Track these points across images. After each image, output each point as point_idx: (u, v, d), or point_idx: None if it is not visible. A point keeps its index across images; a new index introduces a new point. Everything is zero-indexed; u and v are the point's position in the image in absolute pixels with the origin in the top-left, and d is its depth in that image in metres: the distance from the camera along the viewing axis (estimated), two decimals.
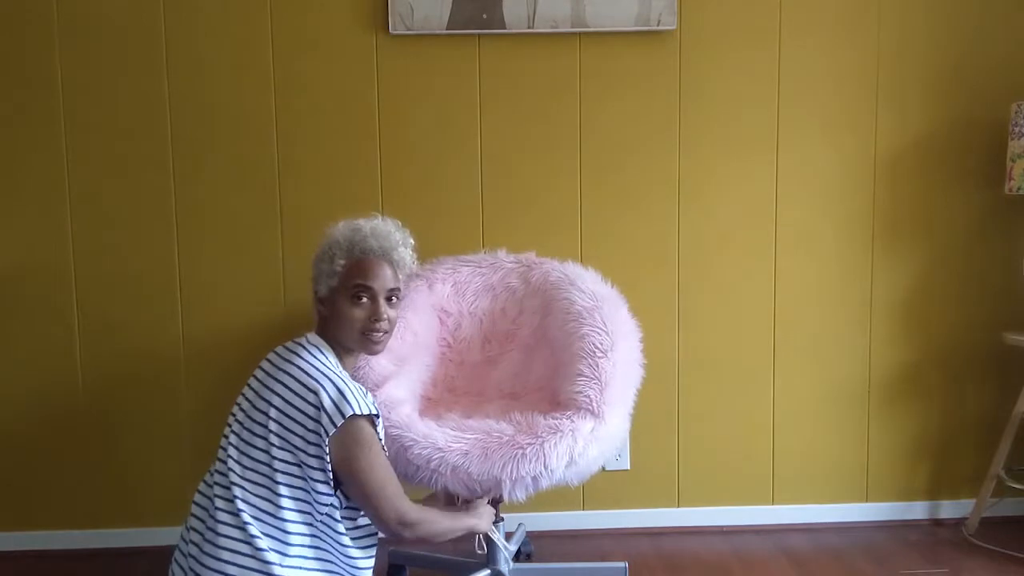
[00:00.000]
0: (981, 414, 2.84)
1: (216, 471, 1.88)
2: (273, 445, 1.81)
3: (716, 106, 2.71)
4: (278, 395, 1.84)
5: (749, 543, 2.72)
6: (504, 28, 2.61)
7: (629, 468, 2.80)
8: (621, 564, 2.39)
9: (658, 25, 2.63)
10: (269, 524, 1.80)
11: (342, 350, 1.95)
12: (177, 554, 1.91)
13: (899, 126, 2.75)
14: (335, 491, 1.83)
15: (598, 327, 2.27)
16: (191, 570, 1.82)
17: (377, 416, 1.86)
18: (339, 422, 1.78)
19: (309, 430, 1.80)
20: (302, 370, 1.85)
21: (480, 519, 2.07)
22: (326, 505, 1.82)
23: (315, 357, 1.88)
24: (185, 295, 2.69)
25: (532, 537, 2.71)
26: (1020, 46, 2.74)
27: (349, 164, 2.67)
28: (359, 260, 1.93)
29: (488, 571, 2.27)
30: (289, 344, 1.94)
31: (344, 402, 1.79)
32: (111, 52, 2.61)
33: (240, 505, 1.79)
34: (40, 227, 2.65)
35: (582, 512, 2.81)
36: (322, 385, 1.81)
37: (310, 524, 1.83)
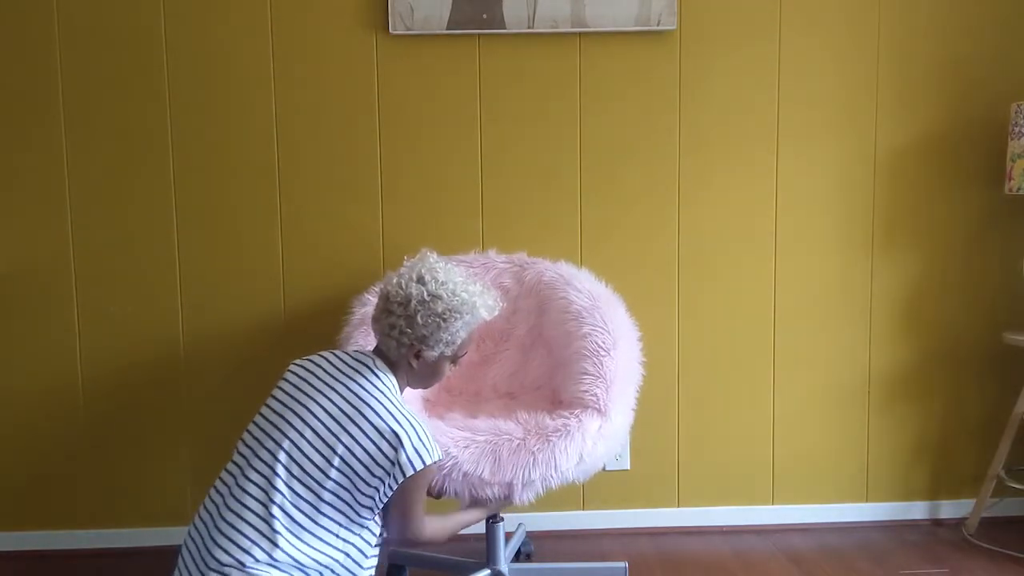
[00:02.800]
0: (981, 414, 2.84)
1: (253, 468, 1.83)
2: (333, 467, 1.81)
3: (716, 106, 2.71)
4: (356, 426, 1.82)
5: (749, 543, 2.72)
6: (504, 28, 2.61)
7: (629, 468, 2.80)
8: (621, 564, 2.39)
9: (658, 25, 2.63)
10: (301, 532, 1.80)
11: (403, 382, 1.97)
12: (186, 538, 1.89)
13: (899, 126, 2.75)
14: (375, 514, 1.86)
15: (599, 326, 2.27)
16: (202, 545, 1.81)
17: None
18: (419, 468, 1.81)
19: (378, 464, 1.80)
20: (386, 409, 1.83)
21: (485, 507, 2.12)
22: (362, 527, 1.85)
23: (390, 398, 1.86)
24: (185, 295, 2.69)
25: (532, 537, 2.71)
26: (1020, 46, 2.74)
27: (349, 164, 2.67)
28: (474, 335, 1.98)
29: (488, 571, 2.27)
30: (356, 365, 1.91)
31: (425, 450, 1.82)
32: (111, 52, 2.61)
33: (275, 511, 1.78)
34: (40, 227, 2.65)
35: (582, 512, 2.81)
36: (406, 431, 1.81)
37: (343, 540, 1.84)
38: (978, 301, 2.80)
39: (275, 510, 1.78)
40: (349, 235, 2.69)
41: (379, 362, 1.92)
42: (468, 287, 1.93)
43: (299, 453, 1.82)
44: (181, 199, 2.66)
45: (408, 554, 2.49)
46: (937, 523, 2.85)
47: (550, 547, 2.68)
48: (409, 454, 1.80)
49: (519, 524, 2.62)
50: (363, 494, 1.82)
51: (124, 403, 2.72)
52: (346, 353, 1.95)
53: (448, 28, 2.60)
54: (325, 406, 1.85)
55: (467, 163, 2.69)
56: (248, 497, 1.80)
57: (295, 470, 1.81)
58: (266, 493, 1.79)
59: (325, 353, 1.96)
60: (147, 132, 2.64)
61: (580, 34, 2.65)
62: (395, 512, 1.88)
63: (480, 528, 2.31)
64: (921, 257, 2.79)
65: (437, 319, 1.88)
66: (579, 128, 2.69)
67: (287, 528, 1.78)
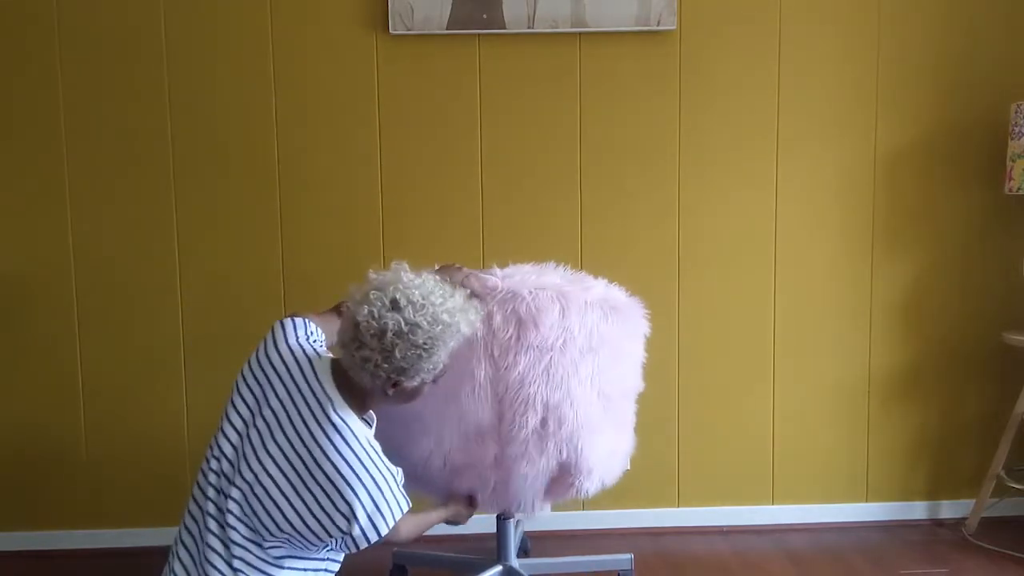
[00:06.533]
0: (981, 414, 2.84)
1: (209, 530, 1.74)
2: (283, 531, 1.70)
3: (716, 106, 2.71)
4: (310, 492, 1.67)
5: (749, 543, 2.72)
6: (504, 28, 2.61)
7: (629, 468, 2.80)
8: (627, 555, 2.41)
9: (658, 25, 2.63)
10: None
11: (367, 407, 1.79)
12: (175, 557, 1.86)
13: (899, 126, 2.75)
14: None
15: None
16: None
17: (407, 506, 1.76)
18: (372, 540, 1.69)
19: (330, 535, 1.68)
20: (340, 473, 1.66)
21: (458, 508, 2.07)
22: (325, 559, 1.81)
23: (346, 454, 1.67)
24: (185, 295, 2.68)
25: (531, 537, 2.71)
26: (1020, 46, 2.74)
27: (349, 164, 2.67)
28: (454, 353, 1.77)
29: (500, 568, 2.27)
30: (313, 403, 1.72)
31: (380, 517, 1.68)
32: (111, 52, 2.61)
33: (238, 565, 1.72)
34: (40, 227, 2.65)
35: (582, 512, 2.81)
36: (361, 502, 1.66)
37: (311, 570, 1.80)
38: (978, 301, 2.80)
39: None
40: (349, 234, 2.69)
41: (337, 402, 1.72)
42: (448, 306, 1.69)
43: (250, 511, 1.72)
44: (181, 199, 2.66)
45: (411, 554, 2.49)
46: (937, 523, 2.85)
47: (550, 547, 2.68)
48: (363, 526, 1.67)
49: (517, 521, 2.62)
50: (316, 556, 1.76)
51: (123, 403, 2.71)
52: (307, 370, 1.76)
53: (448, 28, 2.60)
54: (278, 462, 1.70)
55: (467, 163, 2.69)
56: (211, 566, 1.72)
57: (247, 524, 1.72)
58: (226, 560, 1.71)
59: (285, 356, 1.78)
60: (147, 132, 2.63)
61: (580, 34, 2.65)
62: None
63: (484, 527, 2.32)
64: (921, 257, 2.79)
65: (418, 351, 1.65)
66: (579, 128, 2.69)
67: None
